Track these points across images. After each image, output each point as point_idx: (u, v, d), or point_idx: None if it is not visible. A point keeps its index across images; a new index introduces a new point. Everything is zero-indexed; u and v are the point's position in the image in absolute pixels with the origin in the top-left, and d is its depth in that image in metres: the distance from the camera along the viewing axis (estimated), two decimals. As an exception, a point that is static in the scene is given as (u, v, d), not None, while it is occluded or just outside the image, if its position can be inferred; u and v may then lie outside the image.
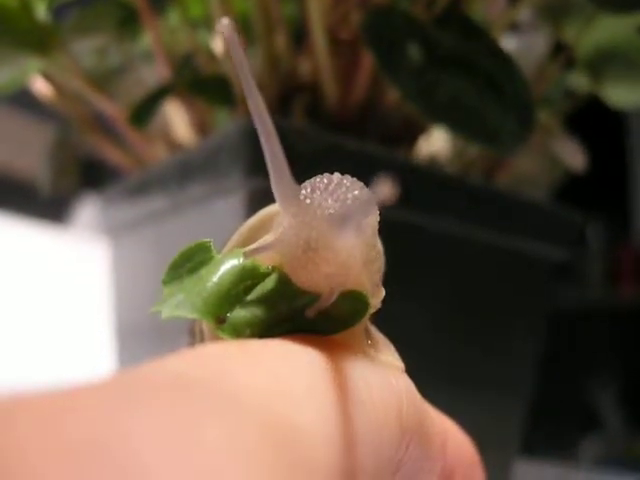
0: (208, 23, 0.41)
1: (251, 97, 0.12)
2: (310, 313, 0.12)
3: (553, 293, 0.42)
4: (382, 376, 0.13)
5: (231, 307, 0.12)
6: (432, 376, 0.25)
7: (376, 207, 0.13)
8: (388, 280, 0.14)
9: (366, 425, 0.11)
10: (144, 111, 0.36)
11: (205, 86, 0.37)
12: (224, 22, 0.12)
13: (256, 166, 0.27)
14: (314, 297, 0.13)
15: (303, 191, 0.13)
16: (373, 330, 0.14)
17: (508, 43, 0.42)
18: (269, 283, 0.13)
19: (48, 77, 0.42)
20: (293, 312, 0.13)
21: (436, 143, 0.41)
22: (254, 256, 0.13)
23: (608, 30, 0.38)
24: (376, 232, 0.13)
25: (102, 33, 0.41)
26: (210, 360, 0.10)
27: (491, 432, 0.36)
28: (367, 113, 0.35)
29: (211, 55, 0.40)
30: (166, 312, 0.13)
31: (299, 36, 0.36)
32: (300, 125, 0.33)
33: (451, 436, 0.15)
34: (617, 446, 1.20)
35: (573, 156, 0.41)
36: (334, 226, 0.12)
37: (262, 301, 0.13)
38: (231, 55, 0.12)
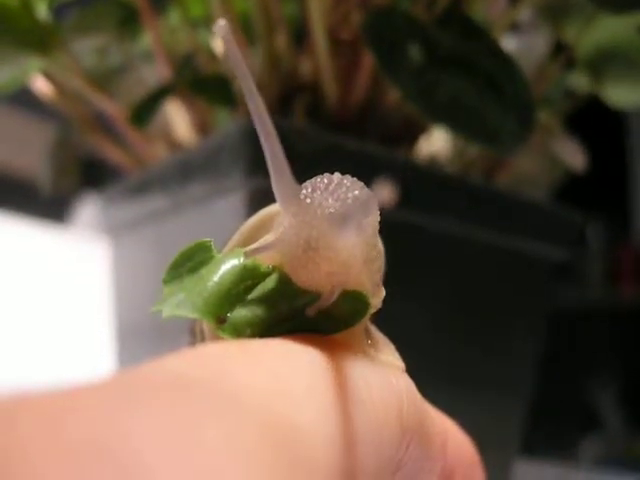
0: (208, 23, 0.41)
1: (250, 98, 0.12)
2: (310, 312, 0.12)
3: (553, 293, 0.42)
4: (382, 376, 0.13)
5: (232, 307, 0.12)
6: (432, 376, 0.25)
7: (376, 207, 0.13)
8: (388, 280, 0.14)
9: (366, 425, 0.11)
10: (144, 111, 0.36)
11: (205, 86, 0.37)
12: (220, 24, 0.12)
13: (256, 166, 0.27)
14: (315, 296, 0.13)
15: (304, 191, 0.13)
16: (373, 330, 0.14)
17: (508, 43, 0.42)
18: (270, 283, 0.13)
19: (49, 76, 0.42)
20: (293, 312, 0.13)
21: (436, 143, 0.41)
22: (255, 256, 0.13)
23: (608, 30, 0.38)
24: (376, 232, 0.13)
25: (103, 33, 0.41)
26: (210, 360, 0.10)
27: (491, 432, 0.36)
28: (367, 113, 0.35)
29: (211, 55, 0.40)
30: (167, 311, 0.13)
31: (300, 36, 0.36)
32: (300, 125, 0.33)
33: (451, 436, 0.16)
34: (617, 446, 1.20)
35: (573, 156, 0.41)
36: (334, 225, 0.12)
37: (263, 301, 0.13)
38: (229, 56, 0.12)
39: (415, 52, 0.30)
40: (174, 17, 0.43)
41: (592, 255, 1.36)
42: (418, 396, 0.14)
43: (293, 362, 0.11)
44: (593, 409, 1.31)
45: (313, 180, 0.13)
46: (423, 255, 0.33)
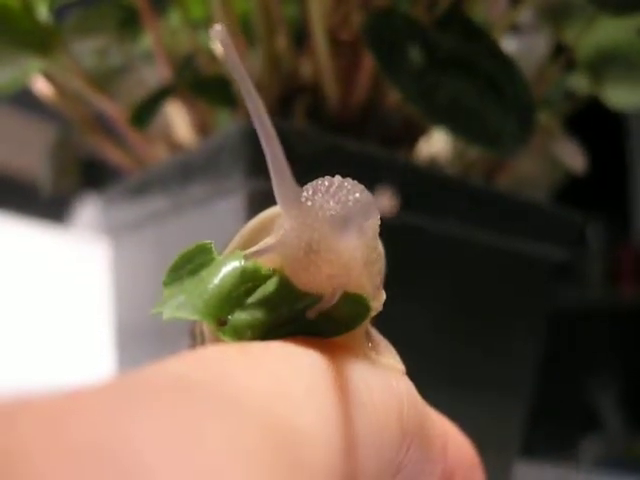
0: (209, 24, 0.40)
1: (250, 100, 0.12)
2: (311, 314, 0.13)
3: (553, 293, 0.42)
4: (383, 378, 0.13)
5: (232, 309, 0.12)
6: (432, 377, 0.25)
7: (377, 210, 0.13)
8: (389, 282, 0.15)
9: (367, 427, 0.11)
10: (145, 112, 0.36)
11: (206, 87, 0.37)
12: (217, 28, 0.12)
13: (257, 167, 0.27)
14: (315, 299, 0.13)
15: (304, 193, 0.13)
16: (374, 333, 0.14)
17: (509, 45, 0.42)
18: (270, 285, 0.13)
19: (49, 77, 0.42)
20: (294, 314, 0.13)
21: (436, 144, 0.41)
22: (255, 258, 0.13)
23: (608, 32, 0.38)
24: (377, 234, 0.13)
25: (103, 34, 0.41)
26: (211, 363, 0.10)
27: (491, 433, 0.36)
28: (368, 114, 0.35)
29: (212, 56, 0.40)
30: (167, 313, 0.13)
31: (300, 37, 0.36)
32: (301, 126, 0.33)
33: (451, 438, 0.16)
34: (617, 447, 1.20)
35: (573, 157, 0.41)
36: (336, 228, 0.12)
37: (263, 303, 0.13)
38: (227, 59, 0.12)
39: (415, 53, 0.30)
40: (174, 18, 0.43)
41: (592, 255, 1.36)
42: (418, 399, 0.14)
43: (293, 364, 0.11)
44: (593, 409, 1.31)
45: (314, 183, 0.13)
46: (423, 257, 0.33)
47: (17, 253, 0.79)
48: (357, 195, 0.13)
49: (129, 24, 0.41)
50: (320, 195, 0.13)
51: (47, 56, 0.36)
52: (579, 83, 0.42)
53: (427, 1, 0.34)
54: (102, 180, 0.50)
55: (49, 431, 0.07)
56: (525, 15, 0.42)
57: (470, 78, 0.30)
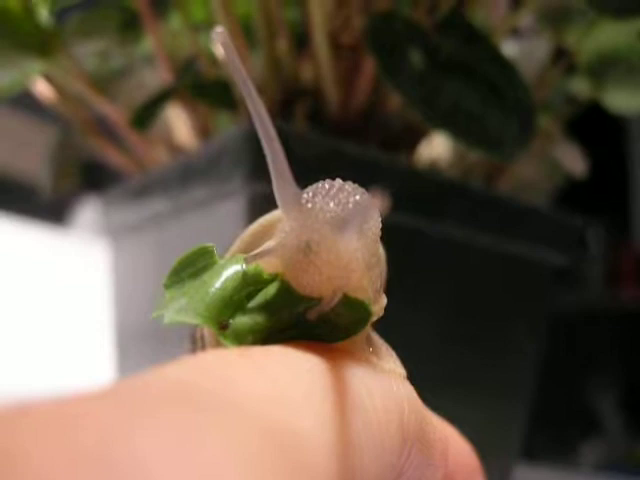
0: (210, 27, 0.41)
1: (251, 103, 0.12)
2: (311, 316, 0.12)
3: (553, 297, 0.42)
4: (384, 383, 0.13)
5: (233, 313, 0.12)
6: (433, 381, 0.25)
7: (377, 213, 0.13)
8: (389, 286, 0.15)
9: (367, 432, 0.11)
10: (146, 114, 0.36)
11: (207, 90, 0.37)
12: (218, 30, 0.12)
13: (258, 170, 0.27)
14: (316, 302, 0.13)
15: (305, 195, 0.13)
16: (375, 337, 0.14)
17: (509, 49, 0.42)
18: (271, 290, 0.13)
19: (50, 79, 0.42)
20: (295, 319, 0.13)
21: (437, 148, 0.41)
22: (256, 261, 0.13)
23: (609, 36, 0.38)
24: (378, 238, 0.13)
25: (104, 36, 0.41)
26: (211, 368, 0.10)
27: (492, 438, 0.36)
28: (368, 118, 0.35)
29: (213, 59, 0.40)
30: (168, 317, 0.13)
31: (301, 40, 0.36)
32: (301, 130, 0.33)
33: (452, 443, 0.15)
34: (617, 450, 1.20)
35: (573, 161, 0.41)
36: (335, 229, 0.12)
37: (264, 308, 0.13)
38: (228, 62, 0.12)
39: (416, 57, 0.31)
40: (175, 21, 0.43)
41: (592, 259, 1.36)
42: (419, 403, 0.14)
43: (294, 369, 0.11)
44: (593, 413, 1.30)
45: (315, 185, 0.13)
46: (423, 261, 0.33)
47: (17, 255, 0.79)
48: (357, 197, 0.13)
49: (130, 27, 0.41)
50: (320, 197, 0.13)
51: (48, 58, 0.36)
52: (579, 87, 0.42)
53: (428, 5, 0.34)
54: (102, 182, 0.50)
55: (50, 437, 0.08)
56: (526, 19, 0.42)
57: (471, 82, 0.30)
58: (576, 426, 1.28)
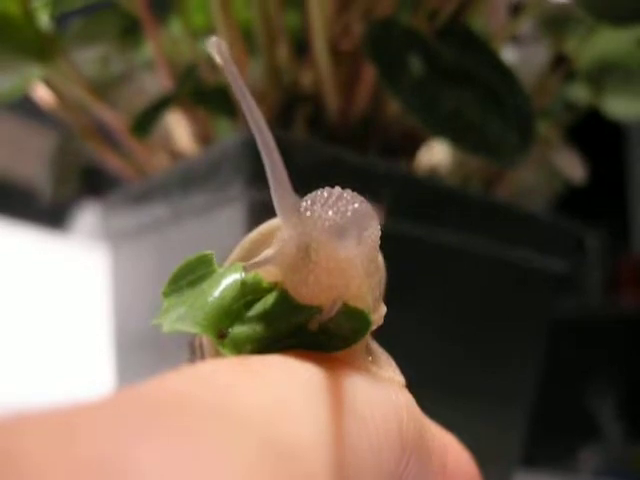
0: (210, 33, 0.41)
1: (249, 112, 0.12)
2: (312, 325, 0.12)
3: (553, 303, 0.42)
4: (383, 392, 0.13)
5: (232, 322, 0.12)
6: (432, 389, 0.25)
7: (376, 221, 0.13)
8: (389, 293, 0.15)
9: (366, 441, 0.11)
10: (146, 121, 0.36)
11: (207, 96, 0.37)
12: (213, 39, 0.12)
13: (257, 177, 0.27)
14: (315, 311, 0.13)
15: (303, 203, 0.13)
16: (374, 346, 0.14)
17: (509, 55, 0.42)
18: (270, 299, 0.13)
19: (50, 85, 0.42)
20: (294, 329, 0.13)
21: (436, 155, 0.41)
22: (255, 269, 0.13)
23: (608, 42, 0.38)
24: (377, 246, 0.13)
25: (104, 42, 0.41)
26: (210, 378, 0.10)
27: (491, 445, 0.36)
28: (368, 125, 0.35)
29: (213, 65, 0.40)
30: (167, 325, 0.13)
31: (301, 47, 0.36)
32: (301, 137, 0.33)
33: (451, 451, 0.15)
34: (617, 456, 1.20)
35: (573, 167, 0.42)
36: (334, 236, 0.12)
37: (263, 317, 0.13)
38: (225, 71, 0.12)
39: (416, 64, 0.31)
40: (176, 27, 0.43)
41: (592, 265, 1.36)
42: (418, 411, 0.14)
43: (293, 378, 0.11)
44: (593, 419, 1.30)
45: (313, 193, 0.13)
46: (422, 267, 0.33)
47: (16, 260, 0.79)
48: (356, 205, 0.13)
49: (130, 33, 0.41)
50: (319, 205, 0.13)
51: (48, 64, 0.36)
52: (579, 93, 0.42)
53: (428, 12, 0.34)
54: (102, 187, 0.50)
55: (50, 442, 0.08)
56: (525, 26, 0.42)
57: (470, 89, 0.30)
58: (575, 432, 1.28)
